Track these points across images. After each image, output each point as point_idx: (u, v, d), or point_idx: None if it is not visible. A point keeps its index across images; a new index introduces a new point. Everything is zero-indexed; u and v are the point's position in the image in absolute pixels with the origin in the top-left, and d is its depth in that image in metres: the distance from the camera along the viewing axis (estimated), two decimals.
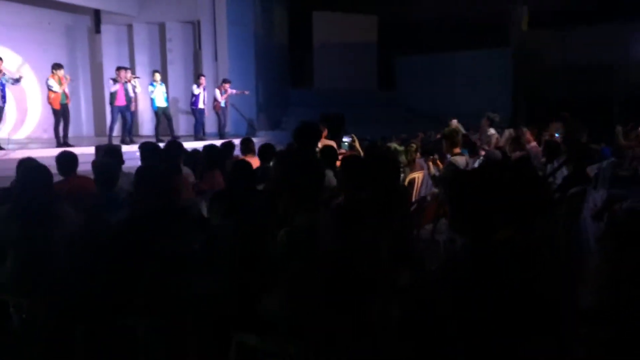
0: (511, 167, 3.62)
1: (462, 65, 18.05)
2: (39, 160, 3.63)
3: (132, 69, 13.94)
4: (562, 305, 2.19)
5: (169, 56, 13.98)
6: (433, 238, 5.13)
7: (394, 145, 5.90)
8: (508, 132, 8.05)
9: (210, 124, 12.76)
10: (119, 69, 10.34)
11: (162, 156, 4.97)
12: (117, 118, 10.18)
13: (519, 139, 6.96)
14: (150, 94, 11.17)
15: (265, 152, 5.19)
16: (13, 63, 13.25)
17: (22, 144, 10.60)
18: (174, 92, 13.61)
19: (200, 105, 11.56)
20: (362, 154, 5.97)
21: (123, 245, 2.86)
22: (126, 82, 10.22)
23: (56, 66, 9.16)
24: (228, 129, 13.69)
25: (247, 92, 12.92)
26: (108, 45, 14.17)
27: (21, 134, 13.09)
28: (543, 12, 17.13)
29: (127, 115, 10.18)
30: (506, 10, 17.81)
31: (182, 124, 13.79)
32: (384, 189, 3.52)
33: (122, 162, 4.87)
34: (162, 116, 11.23)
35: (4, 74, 8.40)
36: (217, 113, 12.03)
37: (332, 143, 5.96)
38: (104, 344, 2.93)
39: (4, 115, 8.70)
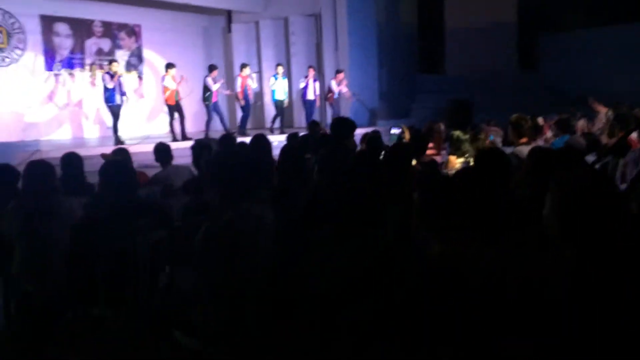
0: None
1: (615, 40, 16.07)
2: None
3: (259, 64, 14.67)
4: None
5: (292, 50, 14.40)
6: None
7: (457, 133, 5.46)
8: (604, 113, 6.92)
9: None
10: (212, 68, 10.85)
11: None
12: (213, 116, 10.76)
13: (621, 121, 6.04)
14: (271, 86, 11.67)
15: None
16: (159, 64, 14.64)
17: (147, 139, 11.59)
18: (297, 84, 14.01)
19: (309, 97, 11.80)
20: None
21: (82, 240, 3.02)
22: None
23: (169, 65, 9.94)
24: None
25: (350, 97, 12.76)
26: (238, 43, 14.99)
27: (161, 129, 14.39)
28: None
29: (220, 110, 10.71)
30: None
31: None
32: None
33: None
34: (280, 109, 11.67)
35: (120, 76, 9.34)
36: (330, 104, 12.17)
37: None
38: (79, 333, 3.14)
39: (121, 113, 9.67)
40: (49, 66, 12.85)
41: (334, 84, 12.14)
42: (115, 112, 9.36)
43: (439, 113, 15.57)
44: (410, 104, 16.24)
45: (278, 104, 11.69)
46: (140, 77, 14.22)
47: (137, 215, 3.09)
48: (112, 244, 2.97)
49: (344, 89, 12.23)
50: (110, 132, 13.52)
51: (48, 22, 12.93)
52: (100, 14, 13.59)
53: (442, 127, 7.11)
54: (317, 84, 12.13)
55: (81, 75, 13.34)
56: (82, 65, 13.40)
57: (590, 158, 5.20)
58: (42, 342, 3.21)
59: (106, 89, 9.18)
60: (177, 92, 9.93)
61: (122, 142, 9.18)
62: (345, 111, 13.82)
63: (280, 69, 11.81)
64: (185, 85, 10.27)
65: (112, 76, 9.21)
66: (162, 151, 5.12)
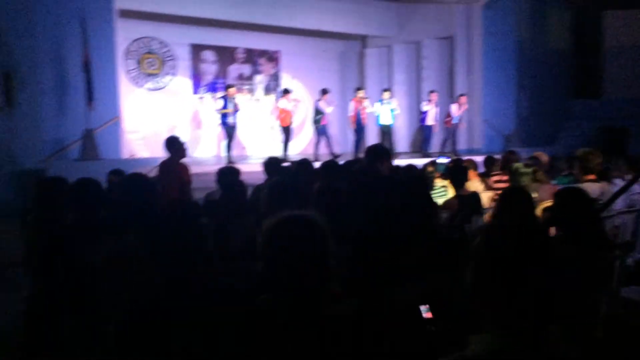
0: None
1: None
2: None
3: (390, 88, 14.59)
4: None
5: (424, 73, 14.09)
6: None
7: (516, 165, 4.91)
8: None
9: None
10: (324, 92, 10.99)
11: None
12: (322, 138, 10.94)
13: None
14: (374, 112, 11.58)
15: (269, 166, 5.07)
16: (296, 88, 15.28)
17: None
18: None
19: (428, 122, 11.43)
20: None
21: (45, 253, 3.28)
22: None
23: (286, 90, 10.40)
24: (479, 145, 13.15)
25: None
26: (370, 67, 15.07)
27: (295, 150, 14.93)
28: None
29: (328, 133, 10.78)
30: None
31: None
32: None
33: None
34: (385, 134, 11.49)
35: (234, 98, 9.99)
36: (446, 128, 11.69)
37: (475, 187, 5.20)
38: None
39: (235, 133, 10.29)
40: (195, 90, 14.09)
41: (454, 108, 11.65)
42: (229, 133, 10.01)
43: (589, 141, 14.13)
44: (556, 131, 14.96)
45: (384, 129, 11.48)
46: (277, 100, 14.94)
47: (102, 233, 3.24)
48: (70, 258, 3.16)
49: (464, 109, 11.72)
50: (245, 152, 14.48)
51: (197, 50, 14.21)
52: (243, 41, 14.59)
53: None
54: (438, 109, 11.71)
55: None
56: (224, 89, 14.45)
57: None
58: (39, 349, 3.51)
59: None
60: (290, 115, 10.34)
61: (232, 162, 9.73)
62: (479, 136, 13.20)
63: (386, 95, 11.59)
64: (298, 108, 10.64)
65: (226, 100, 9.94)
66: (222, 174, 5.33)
